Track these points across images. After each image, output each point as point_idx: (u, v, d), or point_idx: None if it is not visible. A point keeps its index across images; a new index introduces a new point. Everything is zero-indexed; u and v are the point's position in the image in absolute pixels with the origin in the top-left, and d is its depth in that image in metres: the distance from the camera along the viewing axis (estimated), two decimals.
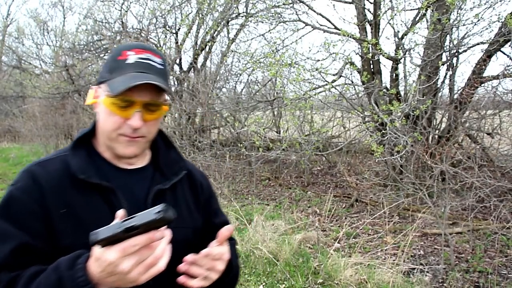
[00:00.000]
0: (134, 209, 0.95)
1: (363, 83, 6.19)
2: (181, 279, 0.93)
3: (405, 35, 5.59)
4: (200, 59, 9.79)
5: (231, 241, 1.25)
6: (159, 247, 0.77)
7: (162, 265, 0.78)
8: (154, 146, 1.12)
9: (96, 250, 0.77)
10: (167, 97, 1.03)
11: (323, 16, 6.43)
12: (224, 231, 0.96)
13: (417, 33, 5.50)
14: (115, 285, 0.78)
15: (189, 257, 0.93)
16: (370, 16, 6.22)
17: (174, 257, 0.90)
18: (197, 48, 9.41)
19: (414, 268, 3.63)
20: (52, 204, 0.93)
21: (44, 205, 0.93)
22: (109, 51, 9.96)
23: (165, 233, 0.78)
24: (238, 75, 9.50)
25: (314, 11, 6.41)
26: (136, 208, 0.95)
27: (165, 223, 0.75)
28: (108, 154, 1.04)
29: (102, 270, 0.76)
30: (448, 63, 5.44)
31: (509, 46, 5.11)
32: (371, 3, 6.13)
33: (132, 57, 0.97)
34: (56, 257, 0.88)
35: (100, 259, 0.76)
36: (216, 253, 0.95)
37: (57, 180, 0.96)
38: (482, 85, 5.43)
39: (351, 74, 6.58)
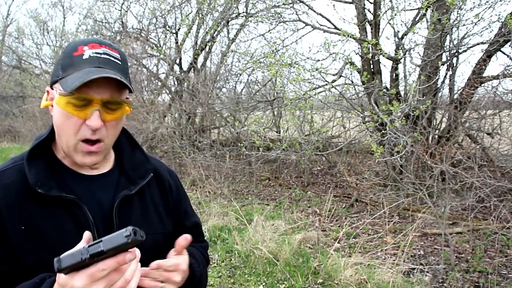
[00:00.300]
0: (100, 219, 0.92)
1: (363, 83, 6.19)
2: None
3: (405, 35, 5.58)
4: (200, 59, 9.79)
5: (203, 243, 1.19)
6: (129, 269, 0.73)
7: (132, 287, 0.73)
8: (117, 147, 1.04)
9: (61, 277, 0.71)
10: (128, 95, 0.94)
11: (323, 16, 6.43)
12: (181, 241, 0.92)
13: (417, 33, 5.50)
14: None
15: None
16: (370, 16, 6.22)
17: (144, 265, 0.86)
18: (197, 48, 9.41)
19: (414, 268, 3.63)
20: (10, 221, 0.84)
21: (1, 223, 0.84)
22: None
23: (135, 254, 0.73)
24: (238, 75, 9.51)
25: (314, 11, 6.41)
26: (102, 218, 0.92)
27: (134, 245, 0.70)
28: (68, 160, 0.95)
29: None
30: (448, 63, 5.44)
31: (509, 46, 5.11)
32: (371, 3, 6.13)
33: (87, 52, 0.88)
34: (20, 277, 0.82)
35: (66, 287, 0.70)
36: (170, 264, 0.90)
37: (14, 194, 0.87)
38: (482, 85, 5.42)
39: (351, 74, 6.58)
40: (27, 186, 0.87)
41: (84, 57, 0.88)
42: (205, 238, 1.28)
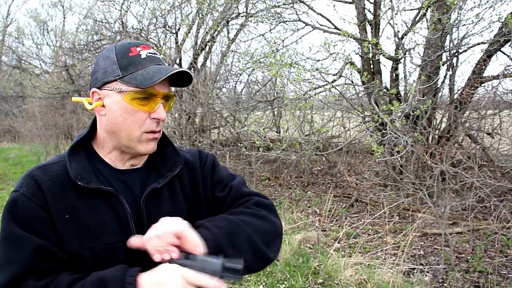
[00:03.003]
0: (133, 210, 0.98)
1: (363, 83, 6.19)
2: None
3: (405, 35, 5.58)
4: (200, 59, 9.79)
5: (247, 203, 1.07)
6: None
7: None
8: None
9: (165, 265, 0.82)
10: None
11: (323, 16, 6.43)
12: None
13: (417, 33, 5.49)
14: None
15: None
16: (370, 16, 6.22)
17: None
18: (197, 48, 9.41)
19: (414, 268, 3.63)
20: (55, 209, 0.91)
21: (48, 211, 0.91)
22: None
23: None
24: (238, 75, 9.49)
25: (314, 11, 6.40)
26: (135, 210, 0.98)
27: (235, 278, 0.81)
28: (111, 156, 1.02)
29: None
30: (448, 63, 5.44)
31: (509, 46, 5.11)
32: (371, 3, 6.12)
33: (143, 52, 0.97)
34: (68, 263, 0.89)
35: (160, 274, 0.81)
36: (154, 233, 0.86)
37: (59, 185, 0.94)
38: (482, 85, 5.42)
39: (351, 74, 6.57)
40: (69, 179, 0.94)
41: (142, 57, 0.96)
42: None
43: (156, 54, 0.99)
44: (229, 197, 1.09)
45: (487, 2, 4.87)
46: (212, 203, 1.10)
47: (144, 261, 0.87)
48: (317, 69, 5.97)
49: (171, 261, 0.83)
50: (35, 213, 0.90)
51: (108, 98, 0.96)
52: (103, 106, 0.97)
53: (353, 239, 4.33)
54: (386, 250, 4.04)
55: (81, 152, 1.00)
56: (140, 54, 0.96)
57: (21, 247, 0.87)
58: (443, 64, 5.40)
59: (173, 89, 1.08)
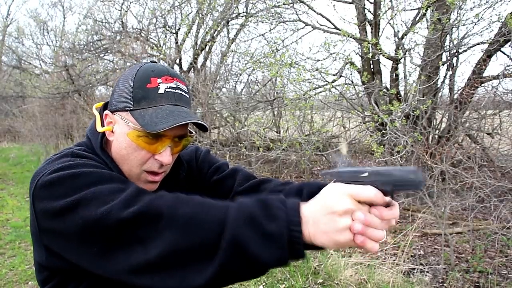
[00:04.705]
0: None
1: (363, 83, 6.19)
2: None
3: (405, 35, 5.58)
4: (200, 59, 9.79)
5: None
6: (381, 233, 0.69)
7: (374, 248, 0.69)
8: None
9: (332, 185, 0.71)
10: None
11: (323, 16, 6.43)
12: None
13: (417, 33, 5.49)
14: (321, 235, 0.68)
15: None
16: (370, 16, 6.22)
17: None
18: (197, 48, 9.41)
19: (414, 268, 3.63)
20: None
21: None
22: (109, 51, 9.95)
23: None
24: (238, 75, 9.50)
25: (314, 11, 6.41)
26: None
27: (416, 185, 0.66)
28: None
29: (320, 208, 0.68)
30: (448, 63, 5.44)
31: (509, 46, 5.11)
32: (371, 3, 6.13)
33: (162, 86, 0.88)
34: None
35: (328, 195, 0.69)
36: None
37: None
38: (482, 85, 5.42)
39: (351, 74, 6.57)
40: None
41: (159, 92, 0.88)
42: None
43: (179, 89, 0.91)
44: (236, 176, 1.07)
45: (487, 2, 4.88)
46: (213, 186, 1.08)
47: None
48: (317, 69, 5.98)
49: (338, 172, 0.71)
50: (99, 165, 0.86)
51: (117, 125, 0.91)
52: (113, 131, 0.92)
53: None
54: (386, 250, 4.04)
55: (106, 154, 0.95)
56: (159, 88, 0.88)
57: (125, 181, 0.82)
58: (443, 64, 5.40)
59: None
